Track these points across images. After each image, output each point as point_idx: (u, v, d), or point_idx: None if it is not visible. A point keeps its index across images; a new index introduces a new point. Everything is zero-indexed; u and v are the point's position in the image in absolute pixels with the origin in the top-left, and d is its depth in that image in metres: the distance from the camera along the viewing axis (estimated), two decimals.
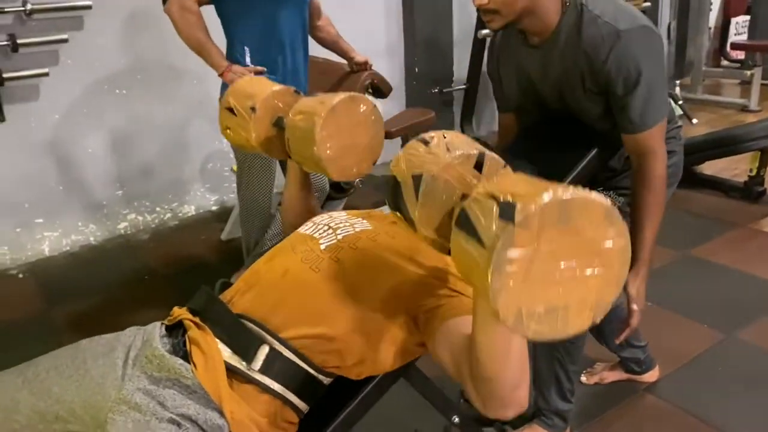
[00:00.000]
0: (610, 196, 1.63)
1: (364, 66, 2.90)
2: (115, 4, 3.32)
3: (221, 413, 1.10)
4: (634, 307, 1.48)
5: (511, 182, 0.92)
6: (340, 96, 1.36)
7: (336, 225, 1.36)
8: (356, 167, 1.39)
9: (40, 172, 3.37)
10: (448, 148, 1.02)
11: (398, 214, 1.09)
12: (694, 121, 4.18)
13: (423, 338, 1.21)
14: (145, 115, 3.58)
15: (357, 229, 1.34)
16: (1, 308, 2.89)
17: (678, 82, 5.17)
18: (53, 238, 3.47)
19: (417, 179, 1.01)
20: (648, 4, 4.79)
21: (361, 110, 1.38)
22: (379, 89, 2.88)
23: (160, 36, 3.47)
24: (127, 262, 3.34)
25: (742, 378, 2.16)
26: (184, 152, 3.76)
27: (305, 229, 1.39)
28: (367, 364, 1.24)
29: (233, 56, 2.43)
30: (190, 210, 3.86)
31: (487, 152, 1.02)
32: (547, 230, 0.82)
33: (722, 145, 3.61)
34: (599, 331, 2.05)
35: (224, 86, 2.41)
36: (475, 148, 1.02)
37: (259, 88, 1.53)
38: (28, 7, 3.05)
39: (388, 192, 1.10)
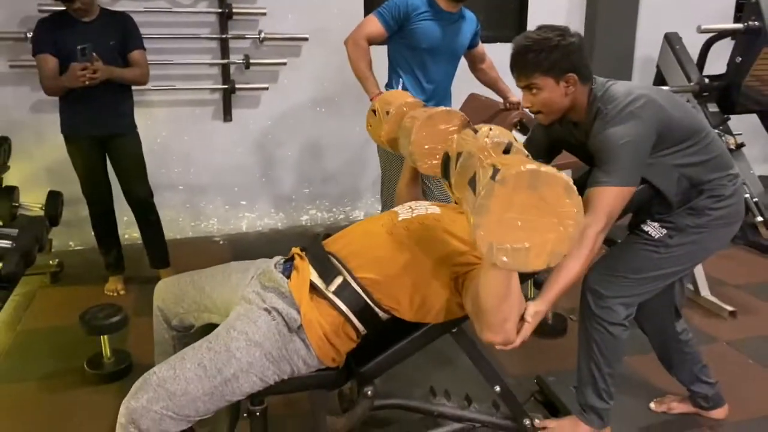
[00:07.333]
0: (654, 227, 1.89)
1: (516, 106, 3.30)
2: (327, 38, 4.05)
3: (299, 312, 1.59)
4: (528, 320, 1.54)
5: (514, 159, 1.25)
6: (440, 108, 1.73)
7: (416, 206, 1.81)
8: None
9: (250, 164, 4.21)
10: (488, 136, 1.36)
11: (445, 180, 1.44)
12: None
13: (460, 297, 1.61)
14: (335, 131, 4.29)
15: (429, 211, 1.78)
16: (203, 264, 3.66)
17: None
18: (250, 219, 4.30)
19: (460, 155, 1.35)
20: None
21: (454, 122, 1.72)
22: (526, 127, 3.24)
23: None
24: None
25: None
26: (362, 166, 4.41)
27: (395, 207, 1.85)
28: (415, 310, 1.66)
29: (390, 85, 2.99)
30: (359, 215, 4.49)
31: (515, 143, 1.36)
32: (519, 190, 1.17)
33: None
34: (669, 363, 2.22)
35: None
36: (507, 138, 1.36)
37: (396, 98, 2.01)
38: (262, 35, 3.91)
39: (442, 164, 1.46)
